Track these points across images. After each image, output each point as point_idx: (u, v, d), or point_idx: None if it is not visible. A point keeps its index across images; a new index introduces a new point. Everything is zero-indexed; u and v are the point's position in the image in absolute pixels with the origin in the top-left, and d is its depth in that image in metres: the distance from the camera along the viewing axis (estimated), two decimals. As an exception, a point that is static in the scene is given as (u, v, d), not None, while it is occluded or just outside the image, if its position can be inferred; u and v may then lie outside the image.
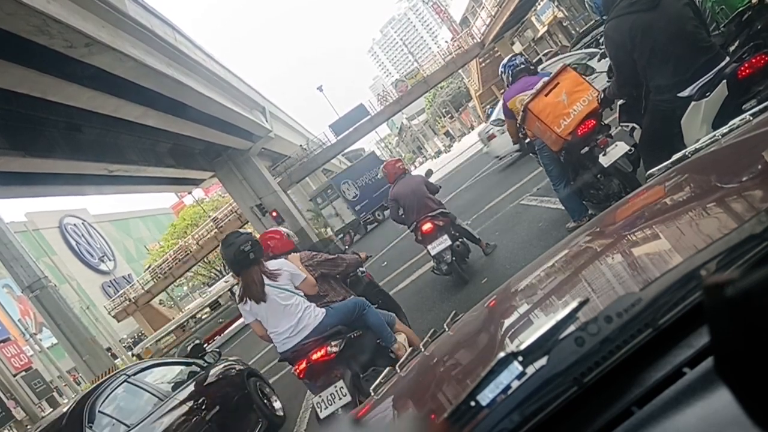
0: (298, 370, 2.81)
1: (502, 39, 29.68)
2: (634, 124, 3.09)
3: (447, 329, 1.30)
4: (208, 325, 20.90)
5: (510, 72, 4.14)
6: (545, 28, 31.13)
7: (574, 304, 0.56)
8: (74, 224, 44.16)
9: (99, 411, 3.33)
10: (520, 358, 0.54)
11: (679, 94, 2.47)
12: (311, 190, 29.26)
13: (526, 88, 3.87)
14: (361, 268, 3.75)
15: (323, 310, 2.88)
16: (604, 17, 2.78)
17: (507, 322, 0.99)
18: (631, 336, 0.53)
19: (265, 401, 4.77)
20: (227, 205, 30.13)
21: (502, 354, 0.54)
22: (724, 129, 1.12)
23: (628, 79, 2.73)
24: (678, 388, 0.48)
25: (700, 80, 2.41)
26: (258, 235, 3.31)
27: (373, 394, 1.18)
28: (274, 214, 22.28)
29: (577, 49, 12.66)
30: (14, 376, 15.45)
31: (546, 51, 24.98)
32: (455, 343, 1.19)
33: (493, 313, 1.15)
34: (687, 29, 2.45)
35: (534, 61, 6.09)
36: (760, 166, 0.84)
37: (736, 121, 1.11)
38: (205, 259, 31.46)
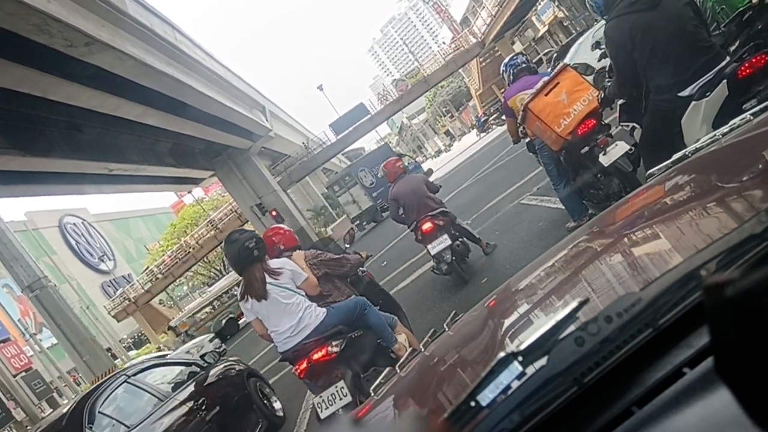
0: (298, 370, 2.81)
1: (502, 38, 29.70)
2: (634, 124, 3.09)
3: (447, 329, 1.31)
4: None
5: (511, 71, 4.15)
6: (546, 28, 31.11)
7: (574, 304, 0.56)
8: (74, 224, 44.16)
9: (99, 411, 3.33)
10: (520, 358, 0.54)
11: (680, 94, 2.47)
12: (312, 189, 29.29)
13: (526, 87, 3.87)
14: (361, 268, 3.75)
15: (324, 309, 2.88)
16: (605, 17, 2.77)
17: (507, 322, 0.99)
18: (631, 336, 0.53)
19: (265, 401, 4.77)
20: (227, 205, 30.12)
21: (502, 354, 0.54)
22: (724, 129, 1.12)
23: (628, 78, 2.73)
24: (678, 388, 0.48)
25: (701, 80, 2.41)
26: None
27: (372, 394, 1.18)
28: (274, 213, 22.31)
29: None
30: (14, 376, 15.43)
31: (546, 51, 24.96)
32: (455, 343, 1.18)
33: (493, 313, 1.15)
34: (687, 29, 2.45)
35: (534, 60, 6.10)
36: (760, 166, 0.84)
37: (736, 120, 1.11)
38: (205, 259, 31.46)
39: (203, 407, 3.91)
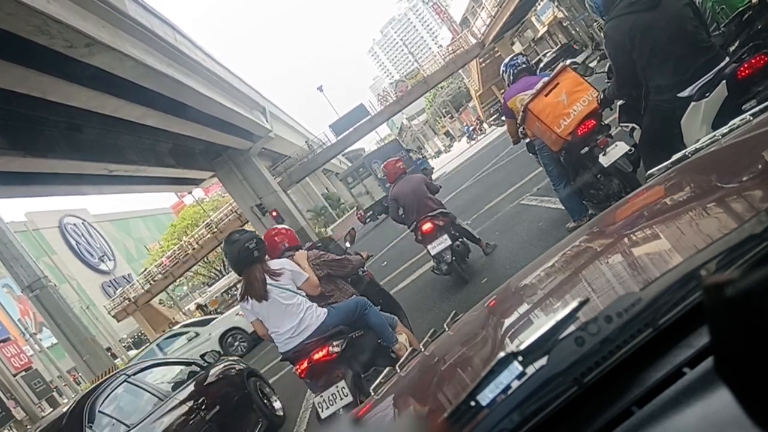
0: (299, 370, 2.81)
1: (502, 39, 29.71)
2: (634, 124, 3.09)
3: (447, 329, 1.31)
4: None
5: (511, 72, 4.15)
6: (545, 29, 31.16)
7: (574, 304, 0.56)
8: (74, 224, 44.11)
9: (99, 411, 3.33)
10: (520, 358, 0.54)
11: (679, 95, 2.47)
12: (312, 190, 29.30)
13: (526, 87, 3.87)
14: (361, 268, 3.76)
15: (325, 310, 2.88)
16: (604, 17, 2.77)
17: (507, 322, 0.99)
18: (631, 336, 0.53)
19: (265, 401, 4.77)
20: (227, 205, 30.10)
21: (502, 354, 0.54)
22: (724, 129, 1.12)
23: (628, 79, 2.72)
24: (678, 388, 0.48)
25: (700, 80, 2.41)
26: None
27: (373, 393, 1.18)
28: (274, 213, 22.31)
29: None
30: (14, 376, 15.42)
31: (546, 51, 24.98)
32: (455, 343, 1.18)
33: (493, 313, 1.15)
34: (687, 29, 2.45)
35: (534, 61, 6.11)
36: (760, 166, 0.84)
37: (736, 121, 1.11)
38: (206, 259, 31.44)
39: (203, 407, 3.91)
